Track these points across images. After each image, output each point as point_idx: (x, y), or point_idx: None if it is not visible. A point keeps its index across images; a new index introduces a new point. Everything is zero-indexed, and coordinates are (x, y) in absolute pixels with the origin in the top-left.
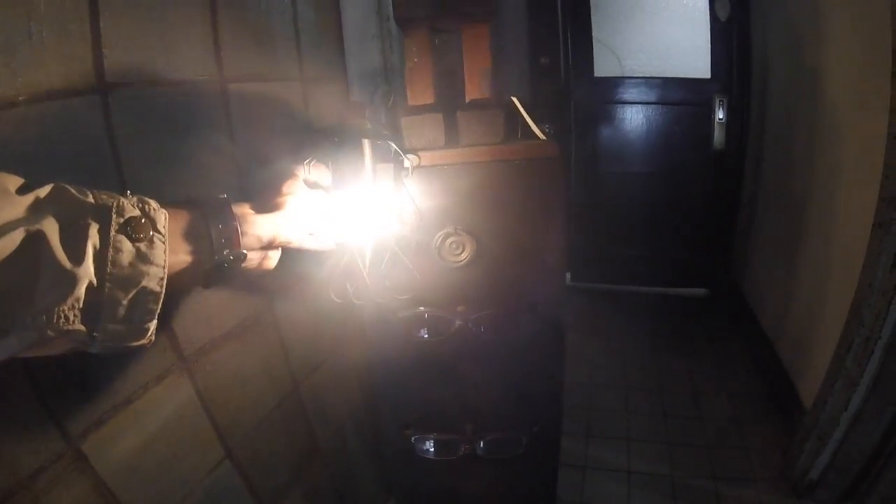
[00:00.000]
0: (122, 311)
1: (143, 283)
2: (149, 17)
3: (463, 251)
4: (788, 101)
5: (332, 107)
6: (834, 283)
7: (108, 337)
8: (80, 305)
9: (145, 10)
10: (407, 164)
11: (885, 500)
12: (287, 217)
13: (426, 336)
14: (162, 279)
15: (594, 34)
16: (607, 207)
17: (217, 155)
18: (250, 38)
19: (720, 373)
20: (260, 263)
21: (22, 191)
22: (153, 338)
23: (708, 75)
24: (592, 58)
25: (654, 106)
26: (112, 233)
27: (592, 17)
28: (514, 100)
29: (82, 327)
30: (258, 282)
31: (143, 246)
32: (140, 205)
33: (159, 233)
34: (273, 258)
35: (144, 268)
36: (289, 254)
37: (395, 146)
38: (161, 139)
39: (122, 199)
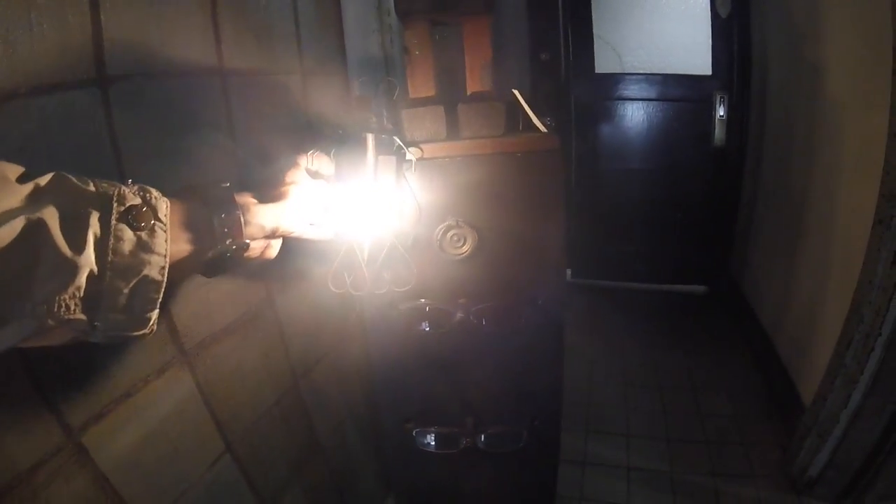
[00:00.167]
0: (123, 300)
1: (145, 271)
2: (149, 10)
3: (464, 244)
4: (789, 98)
5: (333, 100)
6: (834, 279)
7: (110, 326)
8: (81, 294)
9: (145, 3)
10: (410, 157)
11: (885, 497)
12: (290, 206)
13: (427, 329)
14: (163, 268)
15: (595, 30)
16: (607, 204)
17: (217, 148)
18: (251, 32)
19: (720, 370)
20: (262, 253)
21: (22, 179)
22: (154, 327)
23: (708, 72)
24: (593, 54)
25: (654, 102)
26: (113, 221)
27: (593, 14)
28: (515, 92)
29: (83, 316)
30: (259, 275)
31: (144, 234)
32: (141, 193)
33: (161, 221)
34: (275, 248)
35: (146, 256)
36: (289, 248)
37: (398, 140)
38: (161, 132)
39: (123, 188)
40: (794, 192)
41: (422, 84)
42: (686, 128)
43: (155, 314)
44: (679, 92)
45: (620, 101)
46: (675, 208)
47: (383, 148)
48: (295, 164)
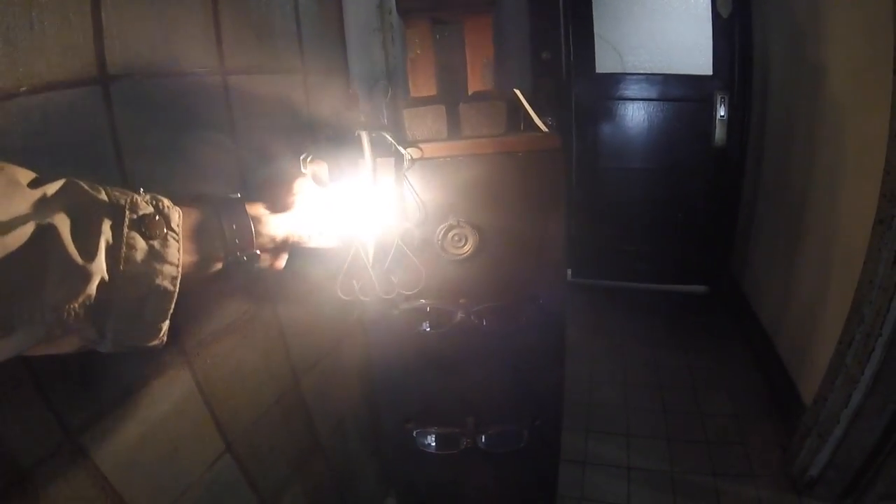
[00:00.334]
0: (134, 309)
1: (157, 281)
2: (150, 8)
3: (465, 244)
4: (789, 98)
5: (334, 99)
6: (834, 279)
7: (120, 336)
8: (91, 303)
9: (147, 1)
10: (406, 155)
11: (885, 497)
12: (299, 217)
13: (428, 329)
14: (175, 278)
15: (596, 30)
16: (608, 204)
17: (218, 146)
18: (252, 30)
19: (720, 369)
20: (271, 264)
21: (33, 185)
22: (165, 338)
23: (709, 72)
24: (594, 54)
25: (655, 102)
26: (125, 229)
27: (594, 13)
28: (517, 91)
29: (92, 325)
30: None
31: (156, 244)
32: (154, 202)
33: (173, 231)
34: (284, 259)
35: (158, 266)
36: (290, 249)
37: (390, 138)
38: (162, 130)
39: (136, 196)
40: (795, 191)
41: (423, 83)
42: (687, 128)
43: (166, 324)
44: (680, 92)
45: (621, 101)
46: (675, 208)
47: (380, 148)
48: (301, 173)
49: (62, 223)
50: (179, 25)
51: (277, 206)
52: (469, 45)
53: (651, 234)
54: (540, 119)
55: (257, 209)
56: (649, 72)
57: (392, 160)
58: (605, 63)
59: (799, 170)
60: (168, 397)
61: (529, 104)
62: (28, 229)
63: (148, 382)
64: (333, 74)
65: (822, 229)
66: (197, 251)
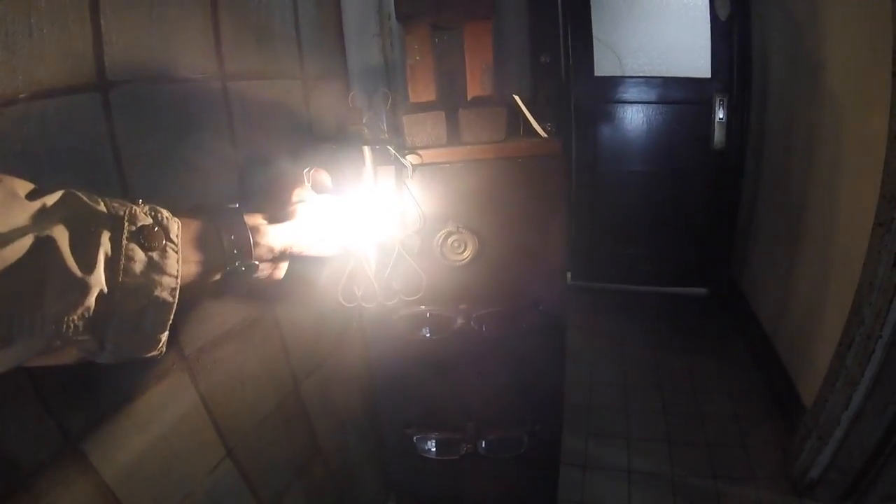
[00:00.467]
0: (133, 321)
1: (156, 293)
2: (149, 14)
3: (465, 249)
4: (788, 101)
5: (333, 105)
6: (834, 281)
7: (119, 347)
8: (90, 314)
9: (146, 7)
10: (408, 166)
11: (886, 498)
12: (298, 227)
13: (428, 334)
14: (174, 289)
15: (594, 33)
16: (607, 207)
17: (218, 152)
18: (251, 36)
19: (720, 372)
20: (270, 274)
21: (31, 196)
22: (164, 349)
23: (708, 74)
24: (593, 57)
25: (654, 105)
26: (124, 241)
27: (593, 16)
28: (516, 97)
29: (91, 337)
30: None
31: (155, 255)
32: (152, 213)
33: (172, 242)
34: (283, 269)
35: (157, 277)
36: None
37: (393, 150)
38: (162, 136)
39: (135, 207)
40: (794, 193)
41: (422, 89)
42: (686, 130)
43: (165, 335)
44: (679, 94)
45: (620, 104)
46: (675, 210)
47: (380, 158)
48: (300, 182)
49: (61, 235)
50: (179, 31)
51: (276, 215)
52: (468, 50)
53: (651, 236)
54: (539, 124)
55: (256, 219)
56: (648, 74)
57: (392, 169)
58: (603, 66)
59: (798, 172)
60: (169, 403)
61: (529, 109)
62: (27, 241)
63: (149, 388)
64: (333, 80)
65: (821, 231)
66: (196, 262)
